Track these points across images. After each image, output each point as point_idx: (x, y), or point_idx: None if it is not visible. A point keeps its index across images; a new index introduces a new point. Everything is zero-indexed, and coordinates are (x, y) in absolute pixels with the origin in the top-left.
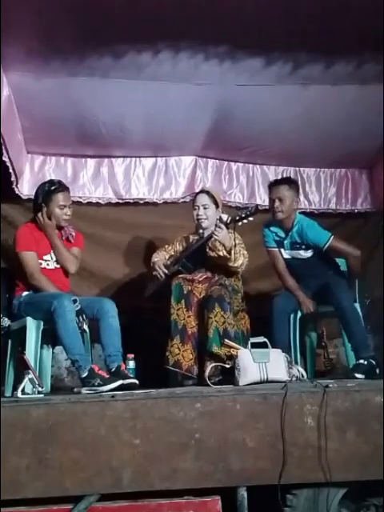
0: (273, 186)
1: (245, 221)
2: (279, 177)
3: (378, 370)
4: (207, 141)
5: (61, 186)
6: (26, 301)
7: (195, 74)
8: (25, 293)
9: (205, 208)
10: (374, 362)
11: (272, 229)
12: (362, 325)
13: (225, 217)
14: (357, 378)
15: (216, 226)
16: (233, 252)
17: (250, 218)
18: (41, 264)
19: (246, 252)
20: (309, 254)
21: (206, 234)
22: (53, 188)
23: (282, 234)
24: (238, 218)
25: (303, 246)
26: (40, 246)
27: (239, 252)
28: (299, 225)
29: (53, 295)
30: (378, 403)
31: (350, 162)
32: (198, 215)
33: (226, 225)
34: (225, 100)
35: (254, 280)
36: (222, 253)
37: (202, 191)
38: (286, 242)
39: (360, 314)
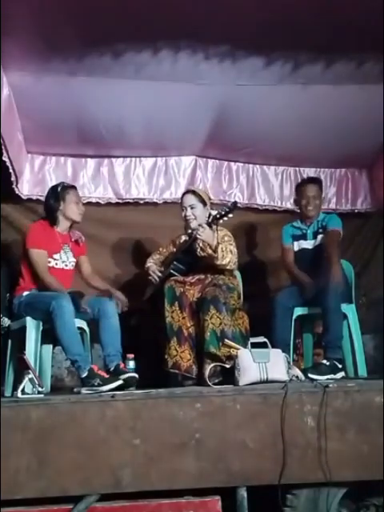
0: (305, 185)
1: (225, 218)
2: (279, 177)
3: (341, 373)
4: (207, 141)
5: (72, 185)
6: (26, 301)
7: (195, 73)
8: (25, 292)
9: (192, 208)
10: (338, 364)
11: (294, 224)
12: (341, 328)
13: (214, 212)
14: (311, 379)
15: (199, 225)
16: (219, 250)
17: (230, 215)
18: (49, 262)
19: (234, 249)
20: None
21: (194, 234)
22: (67, 185)
23: (305, 227)
24: (218, 215)
25: (321, 233)
26: (50, 244)
27: (226, 249)
28: (324, 216)
29: (52, 296)
30: (378, 403)
31: (350, 161)
32: (185, 216)
33: (209, 224)
34: (225, 100)
35: (257, 279)
36: (209, 252)
37: (187, 191)
38: (308, 231)
39: (342, 318)
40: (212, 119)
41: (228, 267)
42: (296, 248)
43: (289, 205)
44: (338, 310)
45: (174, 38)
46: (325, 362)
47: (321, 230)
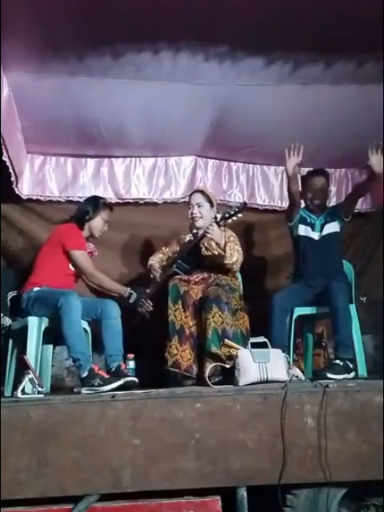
0: (311, 177)
1: (234, 217)
2: (279, 177)
3: (353, 373)
4: (207, 141)
5: (110, 206)
6: (35, 296)
7: (195, 73)
8: (36, 288)
9: (199, 206)
10: (350, 364)
11: (305, 210)
12: (350, 327)
13: (220, 216)
14: (328, 378)
15: (194, 236)
16: (227, 249)
17: (239, 215)
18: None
19: (240, 249)
20: (337, 227)
21: (200, 233)
22: (107, 203)
23: (314, 217)
24: (227, 215)
25: (333, 220)
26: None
27: (233, 248)
28: (329, 209)
29: (61, 292)
30: (378, 403)
31: (350, 161)
32: (192, 214)
33: (217, 223)
34: (225, 100)
35: (257, 279)
36: (217, 251)
37: (196, 191)
38: (317, 222)
39: (352, 317)
40: (212, 119)
41: (234, 267)
42: (302, 232)
43: None
44: (347, 309)
45: (173, 38)
46: (338, 362)
47: (333, 217)
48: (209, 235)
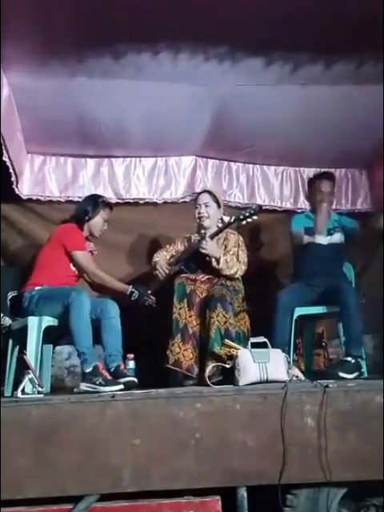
0: (320, 180)
1: (249, 219)
2: (279, 177)
3: (363, 371)
4: (207, 141)
5: (111, 204)
6: (40, 294)
7: (195, 74)
8: (38, 287)
9: (206, 206)
10: (361, 362)
11: (308, 215)
12: (361, 325)
13: (226, 218)
14: (339, 377)
15: (202, 238)
16: (224, 260)
17: (254, 217)
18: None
19: (245, 257)
20: (340, 239)
21: (208, 233)
22: (107, 202)
23: None
24: (241, 217)
25: (337, 231)
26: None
27: (233, 260)
28: (338, 217)
29: (72, 288)
30: (378, 403)
31: (350, 161)
32: (199, 213)
33: (220, 231)
34: (225, 100)
35: (256, 279)
36: (213, 264)
37: (204, 191)
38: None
39: (361, 315)
40: (212, 119)
41: (235, 276)
42: (307, 241)
43: (289, 205)
44: (357, 307)
45: (173, 38)
46: (350, 359)
47: (337, 228)
48: (203, 251)
